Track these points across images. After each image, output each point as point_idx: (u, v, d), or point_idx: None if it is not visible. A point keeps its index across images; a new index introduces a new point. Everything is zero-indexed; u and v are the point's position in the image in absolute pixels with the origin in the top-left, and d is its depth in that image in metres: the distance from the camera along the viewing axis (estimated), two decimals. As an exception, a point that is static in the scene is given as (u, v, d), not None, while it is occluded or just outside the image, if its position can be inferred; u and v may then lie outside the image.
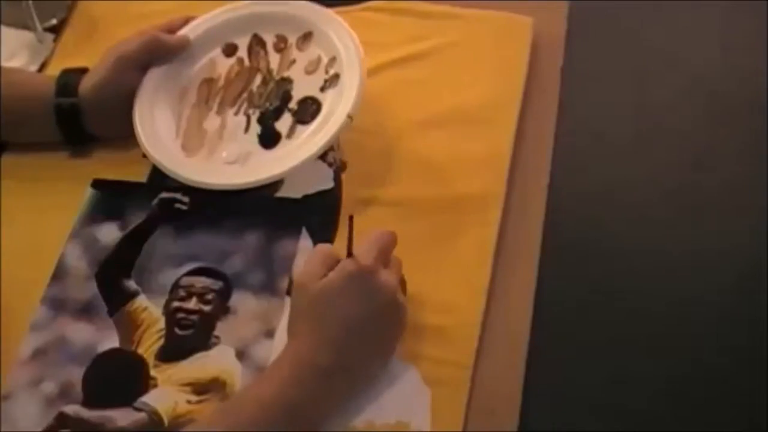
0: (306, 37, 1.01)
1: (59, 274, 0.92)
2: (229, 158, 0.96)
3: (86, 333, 0.88)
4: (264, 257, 0.92)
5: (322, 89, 0.98)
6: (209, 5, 1.07)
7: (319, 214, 0.94)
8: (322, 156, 0.97)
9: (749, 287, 0.88)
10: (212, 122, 0.99)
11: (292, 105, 0.98)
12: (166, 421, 0.82)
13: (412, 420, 0.81)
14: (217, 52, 1.03)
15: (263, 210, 0.94)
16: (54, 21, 1.12)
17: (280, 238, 0.93)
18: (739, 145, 0.98)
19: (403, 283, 0.84)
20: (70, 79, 0.98)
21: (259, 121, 0.98)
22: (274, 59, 1.02)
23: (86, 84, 0.97)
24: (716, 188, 0.94)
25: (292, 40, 1.02)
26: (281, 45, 1.02)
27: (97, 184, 0.98)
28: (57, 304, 0.90)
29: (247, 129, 0.98)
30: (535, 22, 1.06)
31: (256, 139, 0.97)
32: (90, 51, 1.03)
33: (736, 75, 1.03)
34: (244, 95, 1.01)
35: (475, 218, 0.92)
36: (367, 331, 0.79)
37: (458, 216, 0.93)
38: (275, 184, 0.95)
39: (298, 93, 0.99)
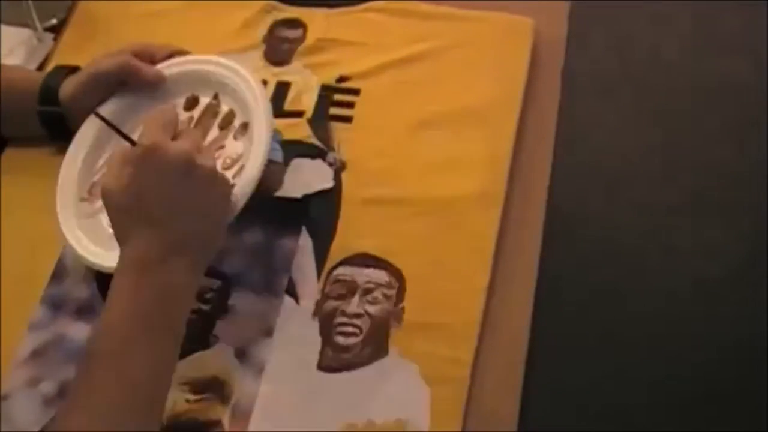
0: (245, 127, 0.91)
1: (59, 273, 0.92)
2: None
3: (85, 332, 0.88)
4: (263, 257, 0.91)
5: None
6: (209, 5, 1.07)
7: (318, 213, 0.94)
8: (322, 156, 0.97)
9: (749, 287, 0.88)
10: None
11: None
12: (164, 419, 0.82)
13: (411, 418, 0.81)
14: (181, 101, 0.96)
15: (263, 209, 0.93)
16: (54, 21, 1.12)
17: (279, 238, 0.92)
18: (739, 144, 0.98)
19: (401, 289, 0.81)
20: (53, 83, 0.97)
21: None
22: (212, 134, 0.93)
23: (65, 91, 0.97)
24: (717, 188, 0.95)
25: (236, 122, 0.92)
26: (225, 124, 0.93)
27: (97, 183, 0.98)
28: (56, 304, 0.90)
29: None
30: (535, 23, 1.06)
31: None
32: (90, 51, 1.02)
33: (736, 76, 1.03)
34: None
35: (475, 218, 0.92)
36: (184, 201, 0.76)
37: (458, 215, 0.93)
38: (274, 183, 0.95)
39: None
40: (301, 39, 1.08)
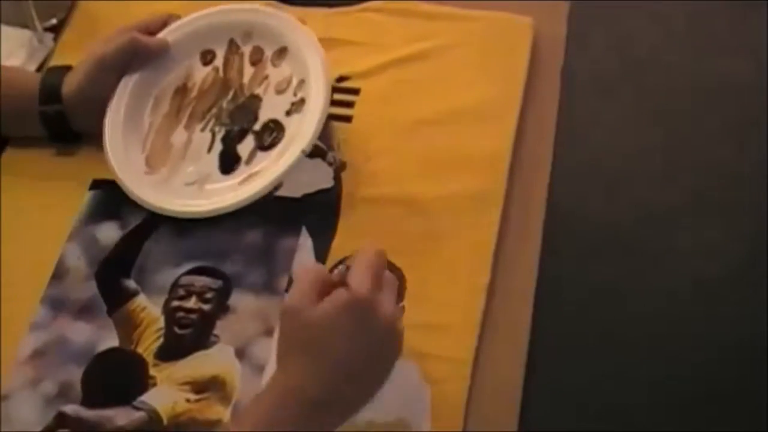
0: (281, 52, 1.00)
1: (59, 273, 0.92)
2: (188, 179, 0.95)
3: (86, 332, 0.88)
4: (264, 256, 0.92)
5: (288, 113, 0.96)
6: (208, 5, 1.07)
7: (318, 213, 0.94)
8: (322, 155, 0.97)
9: (749, 287, 0.88)
10: (179, 137, 0.98)
11: (257, 127, 0.97)
12: (165, 420, 0.82)
13: (412, 418, 0.81)
14: (195, 58, 1.02)
15: (263, 209, 0.94)
16: (54, 21, 1.11)
17: (279, 237, 0.92)
18: (739, 145, 0.98)
19: (401, 288, 0.81)
20: (53, 81, 0.97)
21: (223, 140, 0.97)
22: (248, 72, 1.00)
23: (68, 85, 0.97)
24: (717, 188, 0.95)
25: (268, 53, 1.00)
26: (257, 57, 1.01)
27: (97, 184, 0.98)
28: (56, 304, 0.90)
29: (210, 148, 0.97)
30: (534, 23, 1.06)
31: (216, 161, 0.96)
32: (90, 51, 1.02)
33: (736, 76, 1.03)
34: (214, 110, 0.99)
35: (475, 217, 0.92)
36: (361, 365, 0.74)
37: (458, 214, 0.93)
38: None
39: (264, 114, 0.97)
40: (301, 39, 1.08)
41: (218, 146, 0.97)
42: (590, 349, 0.85)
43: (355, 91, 1.03)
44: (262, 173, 0.93)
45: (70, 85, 0.97)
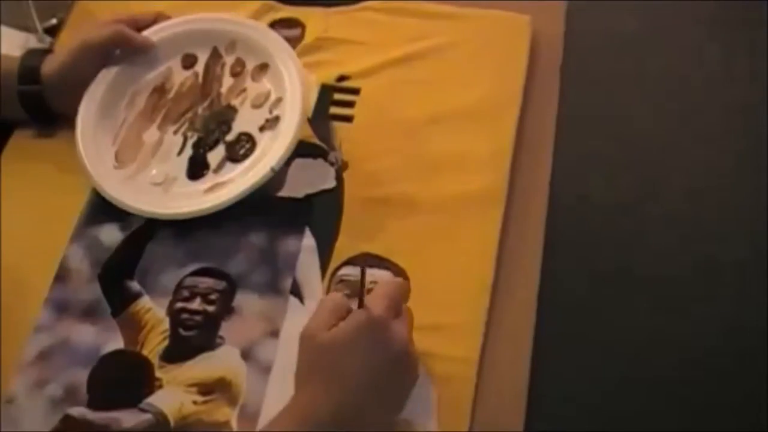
0: (262, 68, 1.00)
1: (62, 276, 0.92)
2: (155, 179, 0.96)
3: (90, 335, 0.88)
4: (267, 257, 0.92)
5: (262, 128, 0.97)
6: (208, 5, 1.07)
7: (321, 213, 0.94)
8: (324, 155, 0.97)
9: (750, 287, 0.88)
10: (151, 136, 0.99)
11: (229, 137, 0.97)
12: (172, 421, 0.83)
13: (418, 418, 0.81)
14: (176, 61, 1.03)
15: (266, 210, 0.94)
16: (54, 21, 1.11)
17: (283, 238, 0.93)
18: (739, 138, 0.98)
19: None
20: (33, 62, 0.98)
21: (194, 146, 0.98)
22: (227, 83, 1.01)
23: (49, 66, 0.98)
24: (717, 187, 0.95)
25: (249, 67, 1.01)
26: (237, 69, 1.01)
27: (99, 185, 0.98)
28: (60, 306, 0.90)
29: (180, 151, 0.98)
30: (533, 21, 1.06)
31: (185, 165, 0.97)
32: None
33: (735, 65, 1.03)
34: (188, 114, 1.00)
35: (477, 216, 0.92)
36: (376, 386, 0.74)
37: (461, 214, 0.93)
38: (275, 183, 0.95)
39: (238, 125, 0.98)
40: (300, 38, 1.07)
41: (189, 151, 0.98)
42: (595, 345, 0.86)
43: (356, 91, 1.03)
44: (228, 184, 0.94)
45: (50, 66, 0.98)
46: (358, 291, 0.77)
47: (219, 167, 0.96)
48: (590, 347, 0.85)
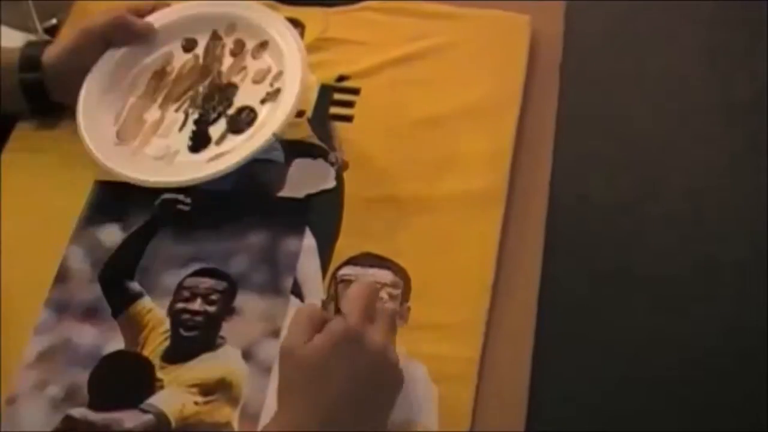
0: (262, 45, 1.01)
1: (62, 276, 0.92)
2: (157, 153, 0.97)
3: (91, 335, 0.88)
4: (268, 257, 0.92)
5: (263, 101, 0.97)
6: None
7: (322, 213, 0.94)
8: (324, 155, 0.97)
9: (750, 287, 0.88)
10: (152, 114, 1.00)
11: (231, 111, 0.98)
12: (173, 422, 0.83)
13: (419, 418, 0.81)
14: (176, 45, 1.04)
15: (266, 210, 0.94)
16: (54, 21, 1.12)
17: (283, 238, 0.93)
18: (740, 136, 0.98)
19: (407, 289, 0.81)
20: (34, 51, 0.99)
21: (196, 122, 0.98)
22: (227, 62, 1.02)
23: (50, 54, 0.98)
24: (717, 187, 0.95)
25: (249, 46, 1.02)
26: (238, 49, 1.02)
27: (99, 185, 0.98)
28: (60, 307, 0.90)
29: (182, 127, 0.98)
30: (532, 21, 1.06)
31: (187, 139, 0.97)
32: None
33: (733, 81, 1.03)
34: (190, 93, 1.01)
35: (477, 215, 0.93)
36: (357, 398, 0.74)
37: (461, 213, 0.93)
38: (276, 183, 0.95)
39: (239, 100, 0.99)
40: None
41: (190, 126, 0.98)
42: (596, 345, 0.86)
43: (355, 91, 1.03)
44: (230, 153, 0.94)
45: (51, 54, 0.98)
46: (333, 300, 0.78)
47: (221, 140, 0.96)
48: (590, 347, 0.85)
